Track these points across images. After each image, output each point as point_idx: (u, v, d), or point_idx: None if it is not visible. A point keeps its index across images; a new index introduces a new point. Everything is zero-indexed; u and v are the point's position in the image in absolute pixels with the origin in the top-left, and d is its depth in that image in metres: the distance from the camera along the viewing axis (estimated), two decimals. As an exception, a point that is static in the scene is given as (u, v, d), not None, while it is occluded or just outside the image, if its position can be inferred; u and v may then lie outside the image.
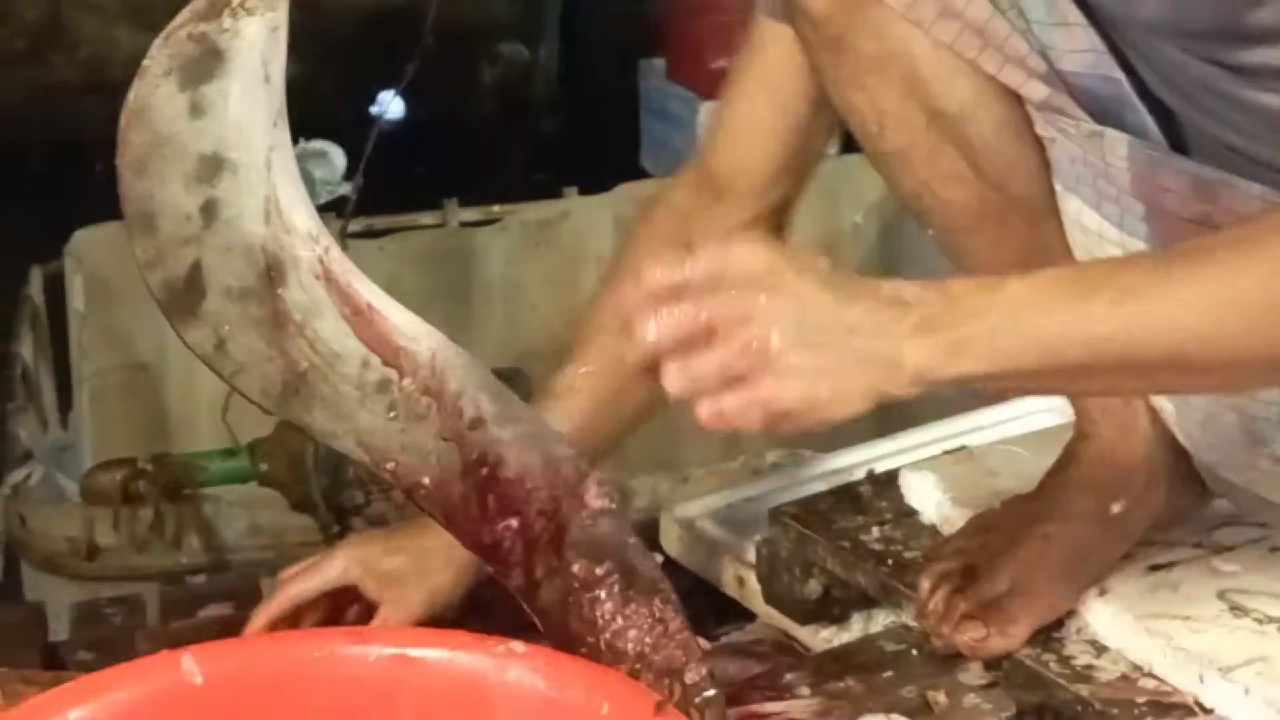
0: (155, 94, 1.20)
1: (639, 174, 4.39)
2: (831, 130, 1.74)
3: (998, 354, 1.22)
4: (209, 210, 1.25)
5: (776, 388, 1.21)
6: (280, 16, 1.23)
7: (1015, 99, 1.54)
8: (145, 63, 1.20)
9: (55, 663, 1.84)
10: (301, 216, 1.29)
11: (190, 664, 1.16)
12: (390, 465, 1.38)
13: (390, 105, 3.01)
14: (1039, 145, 1.57)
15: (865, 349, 1.22)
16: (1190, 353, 1.24)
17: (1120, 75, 1.44)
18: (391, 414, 1.35)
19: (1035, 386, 1.29)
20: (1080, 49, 1.45)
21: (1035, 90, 1.51)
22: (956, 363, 1.22)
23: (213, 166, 1.23)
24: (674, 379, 1.21)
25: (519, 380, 2.35)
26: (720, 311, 1.21)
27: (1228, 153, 1.41)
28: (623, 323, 1.24)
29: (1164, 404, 1.62)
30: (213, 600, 2.03)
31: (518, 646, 1.19)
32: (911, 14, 1.49)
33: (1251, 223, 1.31)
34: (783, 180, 1.75)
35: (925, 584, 1.62)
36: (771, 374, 1.21)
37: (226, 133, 1.23)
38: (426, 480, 1.39)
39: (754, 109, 1.72)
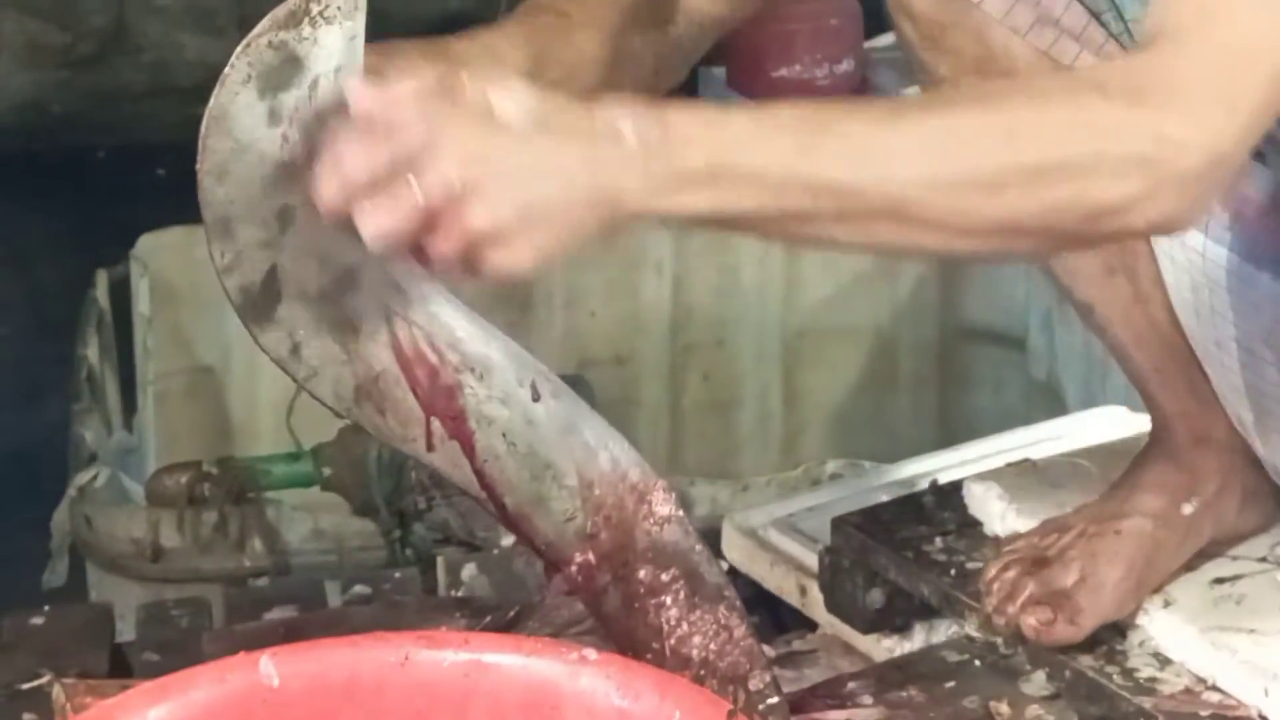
0: (235, 101, 1.22)
1: (699, 182, 4.39)
2: None
3: (719, 192, 1.18)
4: (285, 216, 1.26)
5: (482, 217, 1.15)
6: (358, 26, 1.24)
7: None
8: (226, 70, 1.21)
9: (122, 663, 1.85)
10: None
11: (268, 666, 1.18)
12: (460, 469, 1.39)
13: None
14: None
15: (580, 188, 1.17)
16: (910, 203, 1.21)
17: None
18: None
19: (758, 230, 1.25)
20: None
21: None
22: (676, 199, 1.18)
23: (290, 173, 1.24)
24: (366, 220, 1.15)
25: (581, 387, 2.35)
26: (424, 161, 1.14)
27: None
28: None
29: (1244, 413, 1.62)
30: (277, 603, 2.04)
31: (590, 654, 1.20)
32: (1008, 20, 1.50)
33: (1004, 83, 1.33)
34: None
35: (993, 568, 1.63)
36: (479, 205, 1.15)
37: (305, 140, 1.24)
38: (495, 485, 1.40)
39: None
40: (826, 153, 1.20)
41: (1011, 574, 1.60)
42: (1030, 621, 1.57)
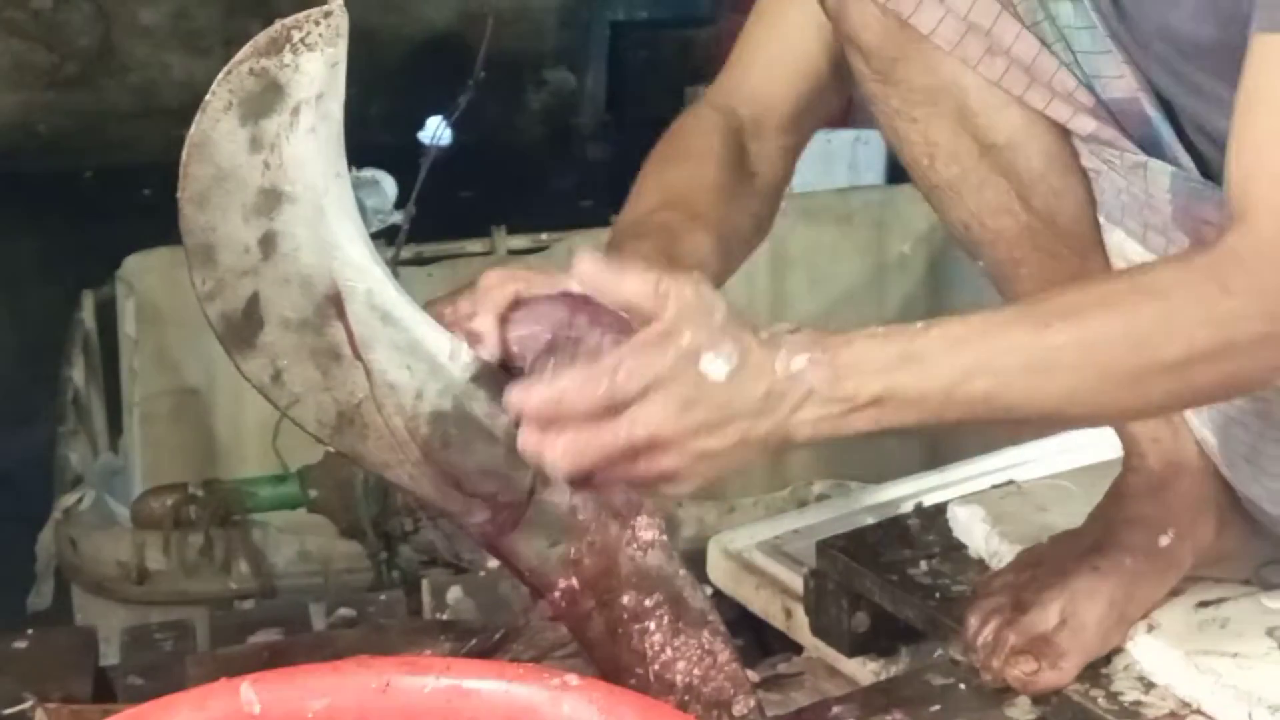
0: (216, 128, 1.22)
1: (686, 202, 4.39)
2: (845, 88, 1.69)
3: (882, 417, 1.30)
4: (268, 243, 1.26)
5: (668, 463, 1.26)
6: (339, 52, 1.24)
7: (1063, 132, 1.55)
8: (207, 97, 1.21)
9: (106, 687, 1.85)
10: (358, 249, 1.30)
11: (249, 693, 1.17)
12: (442, 496, 1.39)
13: (441, 134, 3.03)
14: (1086, 178, 1.58)
15: (754, 429, 1.27)
16: (1061, 410, 1.37)
17: (1155, 114, 1.48)
18: (445, 446, 1.36)
19: (919, 433, 1.37)
20: (1125, 75, 1.48)
21: (1083, 124, 1.52)
22: (843, 428, 1.30)
23: (272, 200, 1.24)
24: (568, 451, 1.24)
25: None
26: (620, 389, 1.24)
27: None
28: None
29: (1208, 437, 1.62)
30: (262, 626, 2.04)
31: (572, 679, 1.19)
32: (959, 51, 1.51)
33: (1130, 285, 1.39)
34: (805, 124, 1.70)
35: (974, 619, 1.62)
36: (665, 453, 1.26)
37: (286, 167, 1.24)
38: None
39: (787, 46, 1.68)
40: (980, 374, 1.31)
41: (992, 626, 1.60)
42: (1015, 674, 1.57)
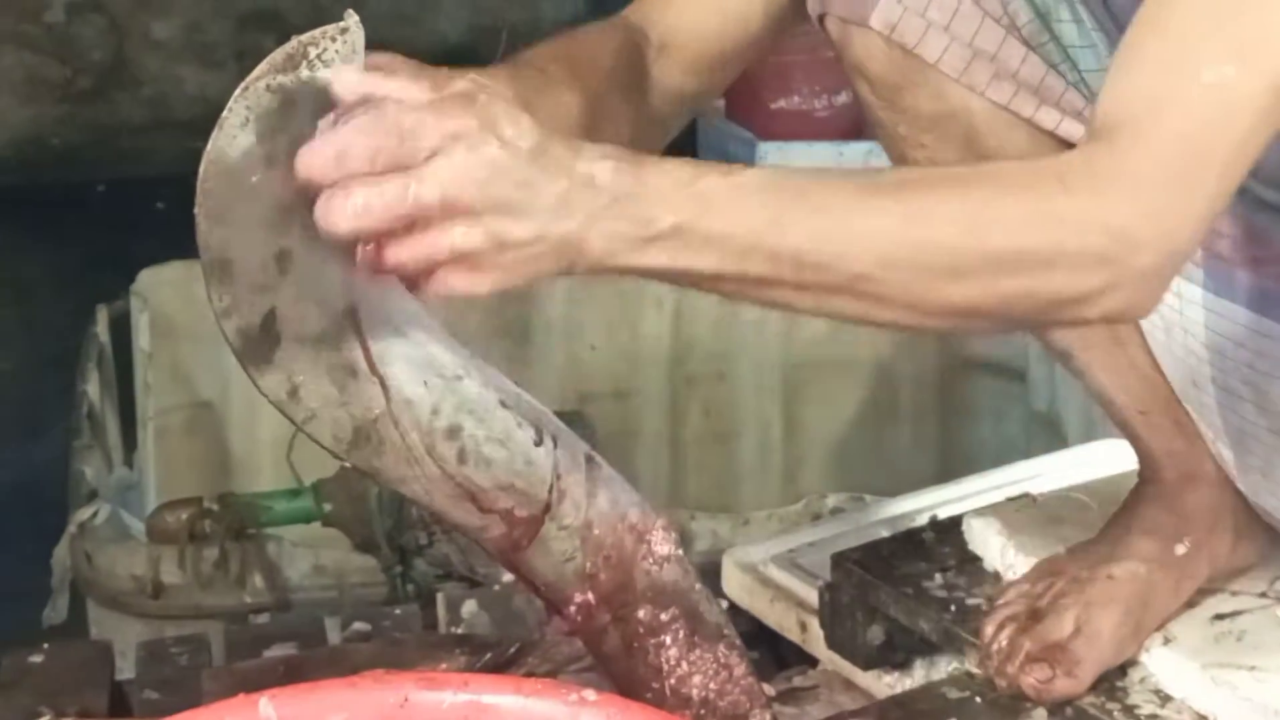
0: (233, 145, 1.22)
1: (698, 214, 4.40)
2: (765, 51, 1.64)
3: (681, 252, 1.20)
4: (284, 259, 1.26)
5: (461, 236, 1.16)
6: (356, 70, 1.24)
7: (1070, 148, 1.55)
8: (224, 114, 1.21)
9: (122, 702, 1.85)
10: (374, 264, 1.30)
11: (267, 708, 1.17)
12: (459, 511, 1.39)
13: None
14: None
15: (552, 226, 1.17)
16: (870, 281, 1.23)
17: None
18: (461, 461, 1.36)
19: (715, 289, 1.26)
20: None
21: None
22: (638, 255, 1.20)
23: (289, 216, 1.24)
24: (346, 202, 1.15)
25: (581, 425, 2.36)
26: (413, 155, 1.15)
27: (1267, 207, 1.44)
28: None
29: (1224, 451, 1.62)
30: (277, 640, 2.04)
31: (590, 694, 1.19)
32: (966, 78, 1.51)
33: (971, 169, 1.35)
34: (714, 77, 1.64)
35: (989, 626, 1.63)
36: (461, 224, 1.16)
37: (303, 183, 1.24)
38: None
39: None
40: (793, 224, 1.21)
41: (1007, 633, 1.60)
42: (1029, 681, 1.57)
